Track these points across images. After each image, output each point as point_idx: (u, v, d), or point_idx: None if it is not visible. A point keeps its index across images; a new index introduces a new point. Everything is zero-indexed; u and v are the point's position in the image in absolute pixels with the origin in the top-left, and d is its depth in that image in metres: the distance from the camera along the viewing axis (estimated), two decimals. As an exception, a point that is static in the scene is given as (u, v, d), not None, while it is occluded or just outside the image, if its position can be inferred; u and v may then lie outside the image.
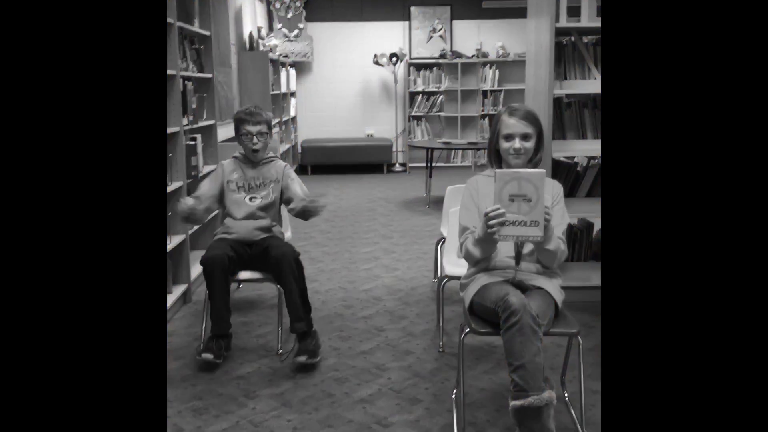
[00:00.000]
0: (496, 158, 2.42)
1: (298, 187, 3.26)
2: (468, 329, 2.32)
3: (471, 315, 2.36)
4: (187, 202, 3.08)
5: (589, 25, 3.57)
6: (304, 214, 3.15)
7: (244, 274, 3.14)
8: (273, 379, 2.87)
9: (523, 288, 2.29)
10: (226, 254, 2.98)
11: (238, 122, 3.24)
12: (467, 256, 2.35)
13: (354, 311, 3.73)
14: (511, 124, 2.33)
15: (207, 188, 3.24)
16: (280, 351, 3.13)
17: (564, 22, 3.51)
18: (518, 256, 2.33)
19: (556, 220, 2.29)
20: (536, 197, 2.08)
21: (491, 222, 2.12)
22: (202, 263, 3.00)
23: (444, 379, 2.85)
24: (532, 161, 2.38)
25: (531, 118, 2.34)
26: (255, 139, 3.21)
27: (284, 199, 3.27)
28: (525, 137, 2.32)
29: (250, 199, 3.24)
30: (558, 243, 2.25)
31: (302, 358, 2.93)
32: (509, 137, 2.33)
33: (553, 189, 2.40)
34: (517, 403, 2.04)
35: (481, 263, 2.38)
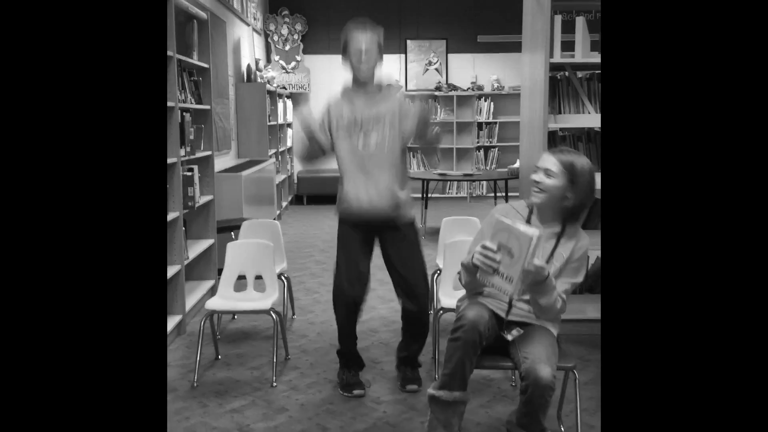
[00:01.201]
0: None
1: (410, 121, 2.92)
2: (464, 363, 2.31)
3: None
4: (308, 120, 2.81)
5: (583, 61, 3.62)
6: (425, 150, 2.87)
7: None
8: (267, 412, 2.84)
9: (521, 324, 2.30)
10: (354, 299, 2.97)
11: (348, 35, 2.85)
12: (459, 275, 2.39)
13: (349, 343, 3.70)
14: (544, 157, 2.30)
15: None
16: (274, 384, 3.10)
17: (558, 57, 3.57)
18: (509, 306, 2.33)
19: (565, 276, 2.28)
20: (518, 255, 2.04)
21: (477, 255, 2.12)
22: (334, 296, 3.02)
23: (440, 412, 2.83)
24: (566, 213, 2.29)
25: (564, 160, 2.25)
26: (363, 57, 2.80)
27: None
28: (546, 173, 2.25)
29: (363, 146, 2.85)
30: (555, 301, 2.19)
31: (413, 387, 3.05)
32: (537, 169, 2.29)
33: (579, 242, 2.32)
34: (431, 391, 2.29)
35: (475, 290, 2.37)
